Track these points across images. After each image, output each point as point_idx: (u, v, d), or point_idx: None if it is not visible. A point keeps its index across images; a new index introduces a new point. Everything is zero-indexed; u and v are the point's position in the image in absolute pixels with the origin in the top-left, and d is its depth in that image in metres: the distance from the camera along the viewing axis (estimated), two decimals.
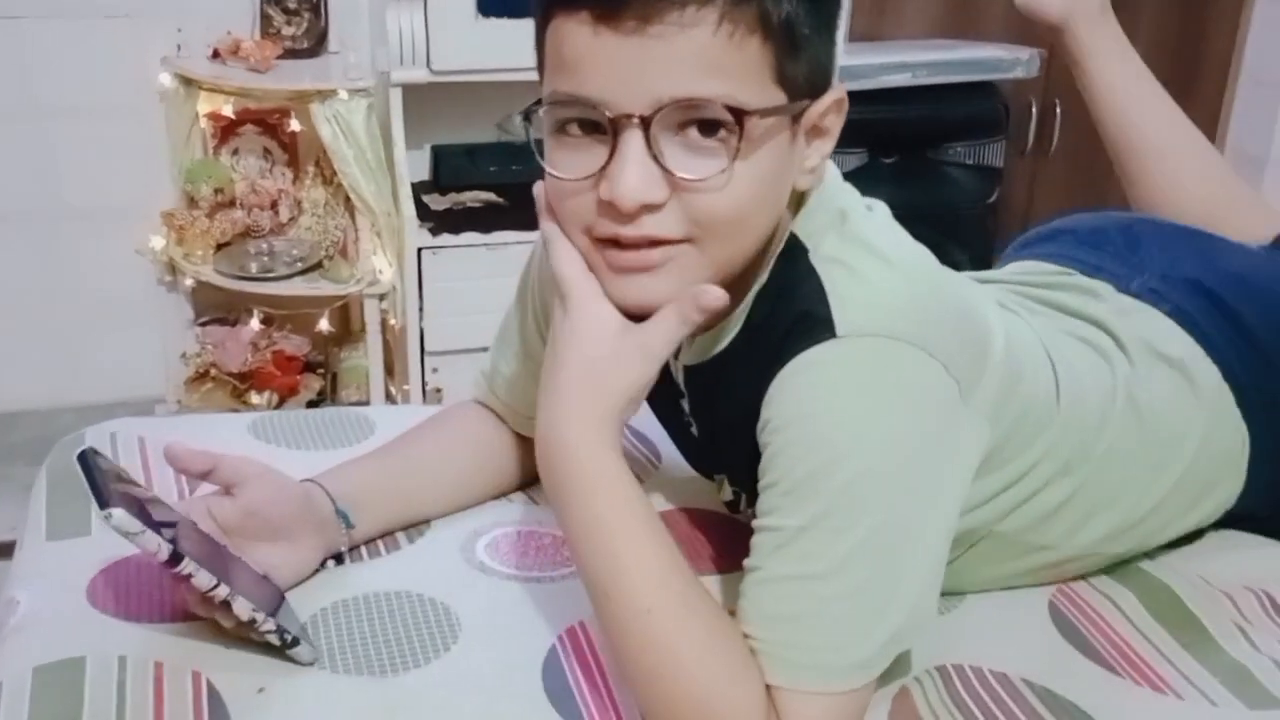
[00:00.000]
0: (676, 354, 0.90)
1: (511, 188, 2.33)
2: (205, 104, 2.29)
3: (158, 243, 2.32)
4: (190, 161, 2.30)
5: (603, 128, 0.73)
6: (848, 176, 0.86)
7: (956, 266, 0.92)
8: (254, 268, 2.27)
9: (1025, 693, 0.85)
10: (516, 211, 2.26)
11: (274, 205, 2.33)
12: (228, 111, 2.32)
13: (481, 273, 2.20)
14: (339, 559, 0.94)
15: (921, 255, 0.84)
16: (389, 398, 2.40)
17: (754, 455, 0.79)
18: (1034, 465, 0.89)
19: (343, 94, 2.14)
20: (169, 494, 1.02)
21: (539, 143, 0.79)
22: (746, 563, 0.78)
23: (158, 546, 0.76)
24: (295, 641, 0.82)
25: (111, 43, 2.26)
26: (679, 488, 1.08)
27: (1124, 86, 1.31)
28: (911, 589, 0.77)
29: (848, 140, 0.81)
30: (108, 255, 2.36)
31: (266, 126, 2.35)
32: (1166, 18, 2.85)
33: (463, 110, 2.36)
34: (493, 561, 0.98)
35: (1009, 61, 2.46)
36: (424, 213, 2.26)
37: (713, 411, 0.91)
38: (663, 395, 0.93)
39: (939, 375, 0.77)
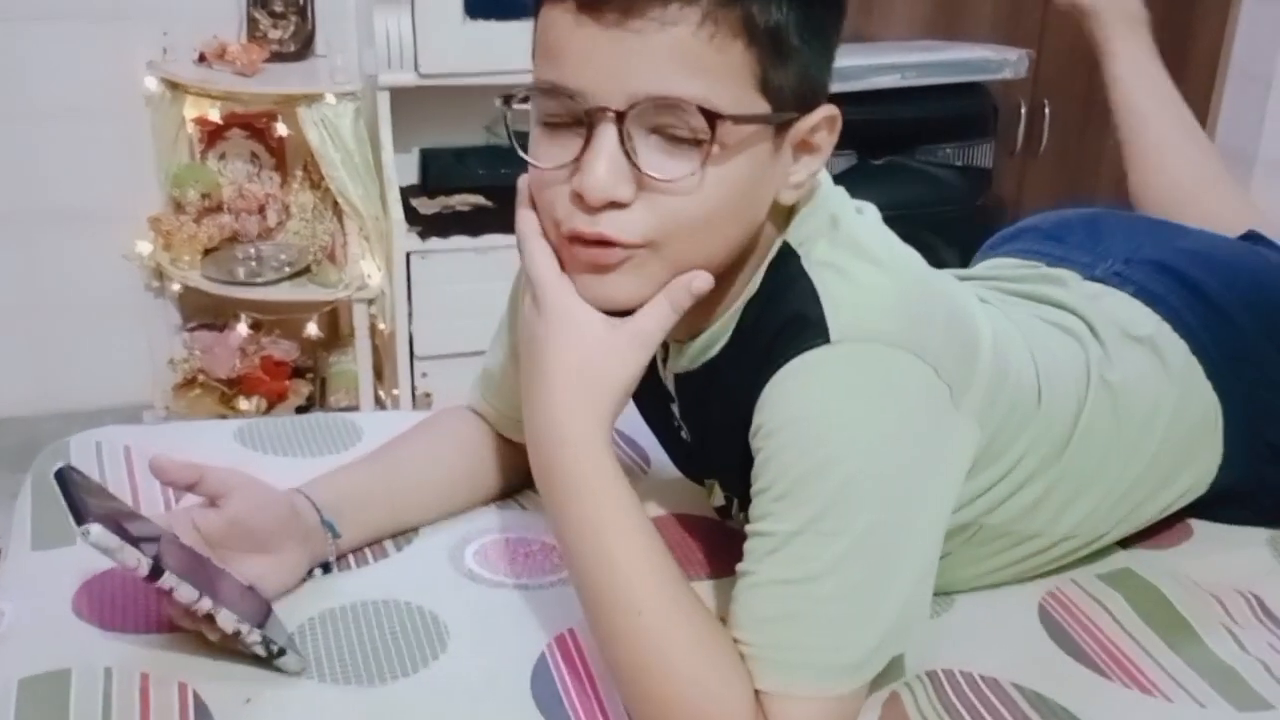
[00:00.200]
0: (665, 360, 0.89)
1: (500, 190, 2.31)
2: (192, 108, 2.28)
3: (145, 248, 2.31)
4: (177, 166, 2.30)
5: (581, 119, 0.73)
6: (837, 178, 0.86)
7: (945, 268, 0.92)
8: (242, 273, 2.26)
9: (1015, 697, 0.85)
10: (505, 214, 2.20)
11: (261, 210, 2.32)
12: (214, 116, 2.31)
13: (470, 276, 2.20)
14: (326, 568, 0.94)
15: (911, 258, 0.84)
16: (378, 402, 2.39)
17: (746, 460, 0.79)
18: (1020, 459, 0.90)
19: (330, 98, 2.13)
20: (155, 505, 1.01)
21: (520, 134, 0.79)
22: (739, 567, 0.78)
23: (137, 562, 0.75)
24: (282, 652, 0.81)
25: (97, 46, 2.25)
26: (668, 493, 1.08)
27: (1134, 80, 1.38)
28: (902, 593, 0.78)
29: (836, 142, 0.81)
30: (94, 261, 2.35)
31: (253, 130, 2.35)
32: (1154, 12, 2.85)
33: (451, 113, 2.35)
34: (481, 569, 0.97)
35: (997, 62, 2.47)
36: (412, 216, 2.26)
37: (704, 416, 0.91)
38: (652, 400, 0.93)
39: (930, 380, 0.77)
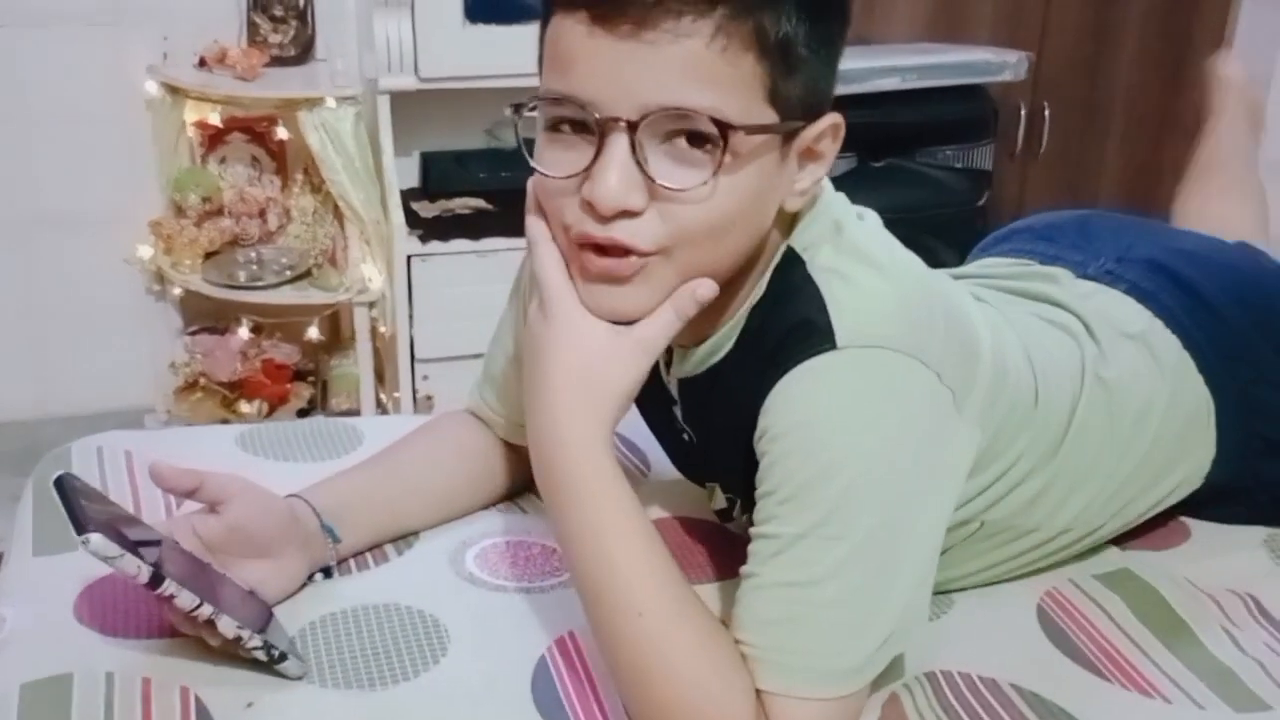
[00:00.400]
0: (669, 364, 0.90)
1: (501, 194, 2.33)
2: (192, 112, 2.29)
3: (145, 252, 2.31)
4: (178, 170, 2.30)
5: (591, 128, 0.74)
6: (837, 181, 0.86)
7: (943, 269, 0.92)
8: (243, 276, 2.27)
9: (1014, 698, 0.85)
10: (506, 217, 2.25)
11: (262, 213, 2.33)
12: (215, 120, 2.31)
13: (471, 279, 2.20)
14: (327, 572, 0.94)
15: (912, 263, 0.85)
16: (379, 405, 2.39)
17: (749, 463, 0.80)
18: (1018, 458, 0.91)
19: (330, 102, 2.14)
20: (156, 510, 1.02)
21: (529, 141, 0.79)
22: (743, 569, 0.79)
23: (137, 569, 0.75)
24: (283, 657, 0.81)
25: (97, 51, 2.25)
26: (669, 497, 1.08)
27: (1228, 138, 1.55)
28: (903, 595, 0.78)
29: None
30: (95, 265, 2.36)
31: (254, 135, 2.35)
32: (1154, 11, 2.86)
33: (451, 117, 2.36)
34: (482, 572, 0.97)
35: (997, 64, 2.47)
36: (413, 220, 2.26)
37: (707, 420, 0.91)
38: (655, 403, 0.93)
39: (934, 385, 0.79)
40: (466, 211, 2.32)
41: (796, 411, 0.77)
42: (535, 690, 0.83)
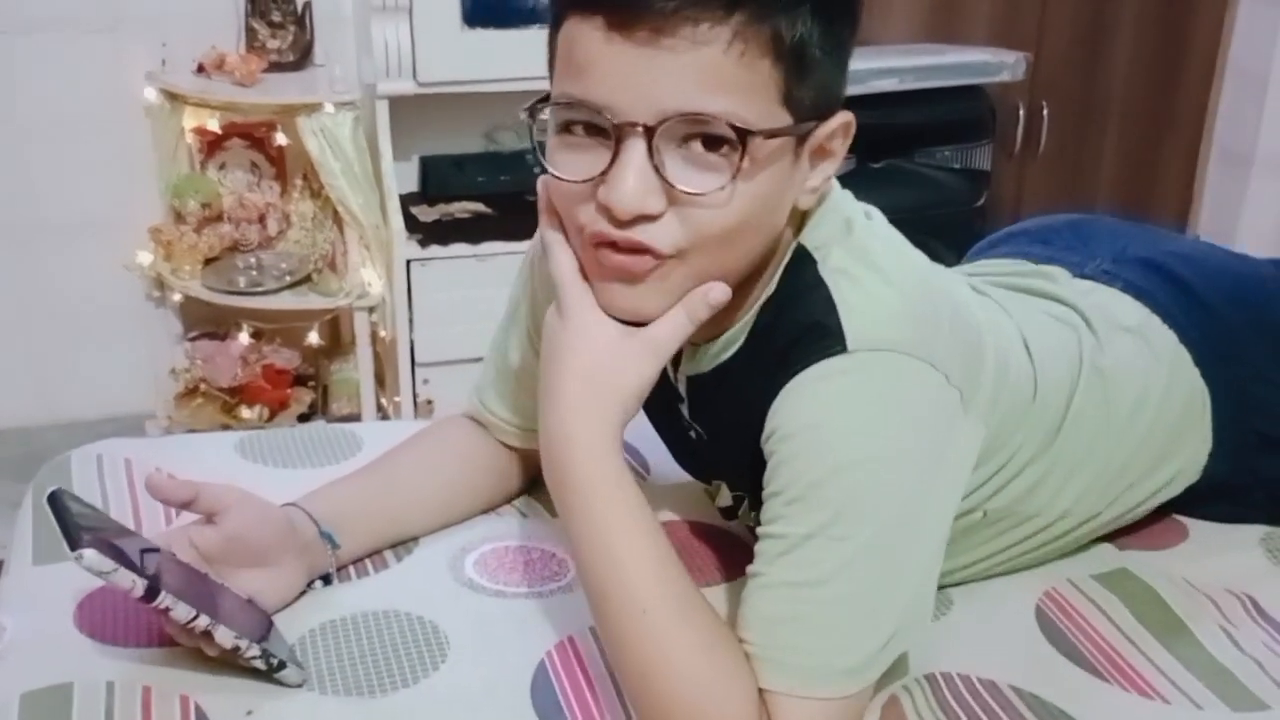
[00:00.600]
0: (676, 363, 0.90)
1: (500, 198, 2.33)
2: (191, 118, 2.29)
3: (145, 258, 2.32)
4: (177, 176, 2.30)
5: (606, 132, 0.74)
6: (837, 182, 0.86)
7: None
8: (242, 282, 2.27)
9: (1013, 699, 0.85)
10: (505, 221, 2.26)
11: (262, 219, 2.33)
12: (214, 126, 2.32)
13: (470, 283, 2.20)
14: (326, 580, 0.94)
15: (919, 262, 0.86)
16: (380, 410, 2.40)
17: (757, 461, 0.81)
18: (1019, 448, 0.91)
19: (329, 107, 2.14)
20: (155, 518, 1.02)
21: (541, 144, 0.79)
22: (749, 568, 0.79)
23: (132, 583, 0.76)
24: (282, 665, 0.82)
25: (96, 58, 2.26)
26: (671, 499, 1.08)
27: None
28: (907, 596, 0.79)
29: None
30: (95, 271, 2.36)
31: (253, 140, 2.36)
32: (1152, 11, 2.86)
33: (450, 121, 2.36)
34: (481, 578, 0.98)
35: (995, 65, 2.47)
36: (412, 224, 2.26)
37: (715, 418, 0.92)
38: (660, 400, 0.93)
39: (942, 387, 0.79)
40: (465, 216, 2.33)
41: (806, 413, 0.78)
42: (535, 696, 0.84)
